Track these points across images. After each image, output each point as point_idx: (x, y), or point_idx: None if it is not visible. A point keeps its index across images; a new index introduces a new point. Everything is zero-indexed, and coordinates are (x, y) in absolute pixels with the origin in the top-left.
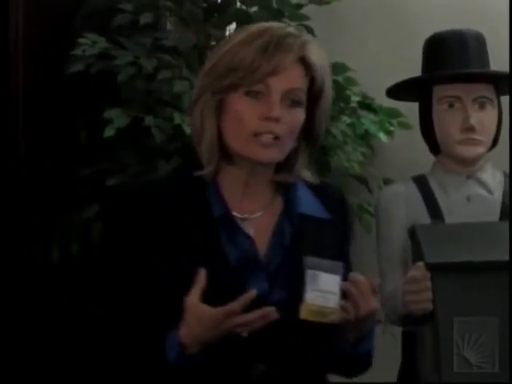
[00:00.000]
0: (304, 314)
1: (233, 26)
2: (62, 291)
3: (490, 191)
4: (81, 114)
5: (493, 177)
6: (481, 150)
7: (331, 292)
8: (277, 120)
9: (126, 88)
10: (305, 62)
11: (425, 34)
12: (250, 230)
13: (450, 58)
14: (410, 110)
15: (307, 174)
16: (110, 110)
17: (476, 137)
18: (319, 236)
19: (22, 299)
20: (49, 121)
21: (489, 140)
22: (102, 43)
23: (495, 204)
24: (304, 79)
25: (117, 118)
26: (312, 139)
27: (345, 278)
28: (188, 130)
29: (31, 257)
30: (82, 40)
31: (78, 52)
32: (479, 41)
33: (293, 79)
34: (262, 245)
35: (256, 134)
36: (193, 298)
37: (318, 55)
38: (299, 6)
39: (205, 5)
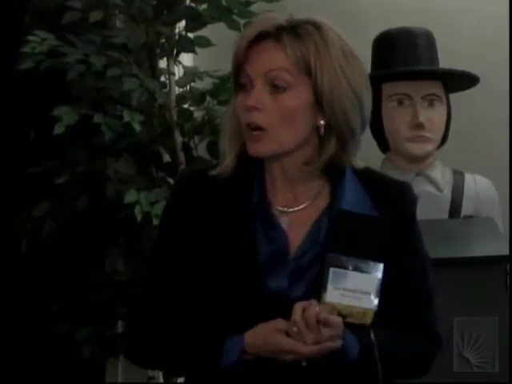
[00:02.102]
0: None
1: (182, 23)
2: (10, 289)
3: (439, 188)
4: (30, 112)
5: (442, 174)
6: (430, 147)
7: (364, 292)
8: (254, 108)
9: (76, 85)
10: (284, 44)
11: (375, 31)
12: (287, 222)
13: (399, 56)
14: None
15: (353, 160)
16: (60, 107)
17: (425, 134)
18: (357, 233)
19: None
20: None
21: (438, 137)
22: (52, 41)
23: (444, 201)
24: (289, 60)
25: (66, 116)
26: (333, 122)
27: (389, 279)
28: (137, 128)
29: None
30: (31, 37)
31: (27, 49)
32: (428, 39)
33: (270, 61)
34: (297, 239)
35: (245, 127)
36: (278, 325)
37: (304, 34)
38: (248, 4)
39: (154, 2)
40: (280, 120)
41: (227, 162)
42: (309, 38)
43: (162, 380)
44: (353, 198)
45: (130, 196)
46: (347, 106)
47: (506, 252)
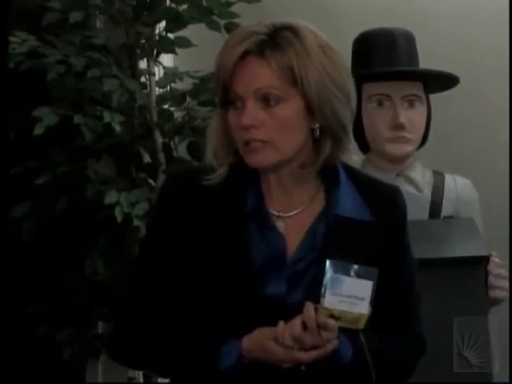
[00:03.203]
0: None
1: (162, 23)
2: None
3: (419, 189)
4: (10, 113)
5: (422, 175)
6: (410, 147)
7: (359, 298)
8: (250, 127)
9: (56, 86)
10: (268, 60)
11: (355, 32)
12: (283, 227)
13: (379, 56)
14: None
15: (348, 157)
16: (40, 108)
17: (405, 135)
18: (354, 239)
19: None
20: None
21: (418, 138)
22: (32, 41)
23: (424, 202)
24: (275, 75)
25: (46, 117)
26: (325, 124)
27: (384, 286)
28: (118, 129)
29: None
30: (11, 38)
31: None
32: (408, 39)
33: (257, 79)
34: (294, 244)
35: (245, 143)
36: (273, 333)
37: (284, 44)
38: (229, 4)
39: (134, 3)
40: (278, 132)
41: (220, 171)
42: (289, 47)
43: (142, 380)
44: (350, 203)
45: (111, 197)
46: (336, 106)
47: (485, 252)
